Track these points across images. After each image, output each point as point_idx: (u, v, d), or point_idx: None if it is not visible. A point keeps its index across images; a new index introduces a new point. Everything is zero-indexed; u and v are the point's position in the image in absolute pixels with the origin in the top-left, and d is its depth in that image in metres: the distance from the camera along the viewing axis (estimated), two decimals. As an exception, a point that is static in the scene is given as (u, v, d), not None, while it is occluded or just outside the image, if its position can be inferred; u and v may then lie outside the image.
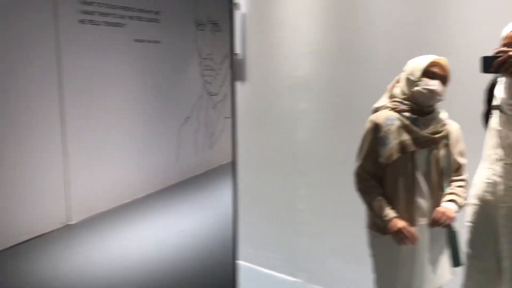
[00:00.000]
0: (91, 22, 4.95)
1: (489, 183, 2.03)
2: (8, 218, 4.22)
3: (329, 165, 3.03)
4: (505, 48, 1.86)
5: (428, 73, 1.97)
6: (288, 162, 3.20)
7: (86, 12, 4.88)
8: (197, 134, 6.85)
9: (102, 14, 5.07)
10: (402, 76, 2.08)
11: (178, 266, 3.93)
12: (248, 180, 3.34)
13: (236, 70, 3.10)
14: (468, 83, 2.31)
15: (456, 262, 2.10)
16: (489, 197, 2.03)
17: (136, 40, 5.55)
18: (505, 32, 1.93)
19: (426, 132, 2.00)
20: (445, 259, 2.09)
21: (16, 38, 4.22)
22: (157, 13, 5.87)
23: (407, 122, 2.00)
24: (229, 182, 6.26)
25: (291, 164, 3.18)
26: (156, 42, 5.87)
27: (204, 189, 6.20)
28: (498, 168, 2.00)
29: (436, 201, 2.03)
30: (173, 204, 5.55)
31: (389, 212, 1.99)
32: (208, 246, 4.35)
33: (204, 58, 6.93)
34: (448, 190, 2.05)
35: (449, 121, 2.08)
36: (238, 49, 3.14)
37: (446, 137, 2.04)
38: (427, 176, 2.01)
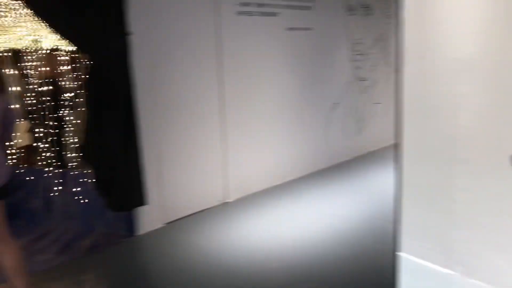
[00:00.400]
0: (248, 13, 5.23)
1: None
2: (176, 194, 4.72)
3: (492, 153, 2.82)
4: None
5: None
6: (448, 149, 3.05)
7: (243, 4, 5.17)
8: (345, 120, 6.83)
9: (258, 4, 5.32)
10: None
11: (329, 249, 4.02)
12: (406, 168, 3.26)
13: (397, 54, 3.03)
14: None
15: None
16: None
17: (289, 29, 5.71)
18: None
19: None
20: None
21: (180, 31, 4.64)
22: (309, 0, 5.96)
23: None
24: (379, 169, 6.18)
25: (451, 151, 3.03)
26: (308, 29, 5.97)
27: (353, 175, 6.19)
28: None
29: None
30: (322, 188, 5.65)
31: None
32: (358, 232, 4.36)
33: (354, 43, 6.86)
34: None
35: None
36: (397, 32, 3.07)
37: None
38: None
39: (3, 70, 4.61)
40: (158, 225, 4.55)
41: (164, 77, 4.51)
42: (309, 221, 4.65)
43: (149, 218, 4.43)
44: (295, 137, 6.01)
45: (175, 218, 4.71)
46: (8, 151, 4.76)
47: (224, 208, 5.09)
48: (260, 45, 5.41)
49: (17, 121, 3.10)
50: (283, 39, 5.67)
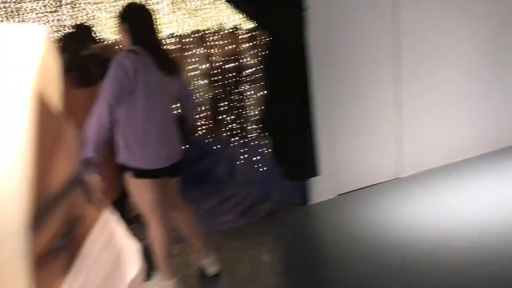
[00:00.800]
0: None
1: None
2: (348, 166, 4.75)
3: None
4: None
5: None
6: None
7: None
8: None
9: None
10: None
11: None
12: None
13: None
14: None
15: None
16: None
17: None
18: None
19: None
20: None
21: (354, 2, 4.56)
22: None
23: None
24: None
25: None
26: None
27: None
28: None
29: None
30: (509, 168, 5.10)
31: None
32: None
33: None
34: None
35: None
36: None
37: None
38: None
39: (177, 54, 5.14)
40: (330, 196, 4.66)
41: (338, 50, 4.53)
42: (492, 202, 4.27)
43: (321, 189, 4.56)
44: (480, 109, 5.49)
45: (346, 190, 4.76)
46: (194, 127, 5.33)
47: (397, 183, 4.95)
48: (442, 7, 5.02)
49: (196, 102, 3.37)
50: (468, 3, 5.17)
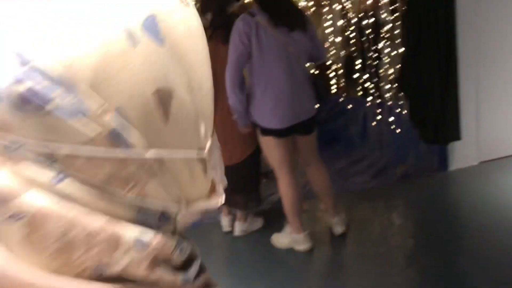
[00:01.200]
0: None
1: None
2: (495, 132, 4.35)
3: None
4: None
5: None
6: None
7: None
8: None
9: None
10: None
11: None
12: None
13: None
14: None
15: None
16: None
17: None
18: None
19: None
20: None
21: None
22: None
23: None
24: None
25: None
26: None
27: None
28: None
29: None
30: None
31: None
32: None
33: None
34: None
35: None
36: None
37: None
38: None
39: (312, 10, 5.02)
40: (472, 162, 4.33)
41: (488, 6, 4.08)
42: None
43: (462, 154, 4.26)
44: None
45: (491, 158, 4.37)
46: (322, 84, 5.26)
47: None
48: None
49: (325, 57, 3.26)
50: None
